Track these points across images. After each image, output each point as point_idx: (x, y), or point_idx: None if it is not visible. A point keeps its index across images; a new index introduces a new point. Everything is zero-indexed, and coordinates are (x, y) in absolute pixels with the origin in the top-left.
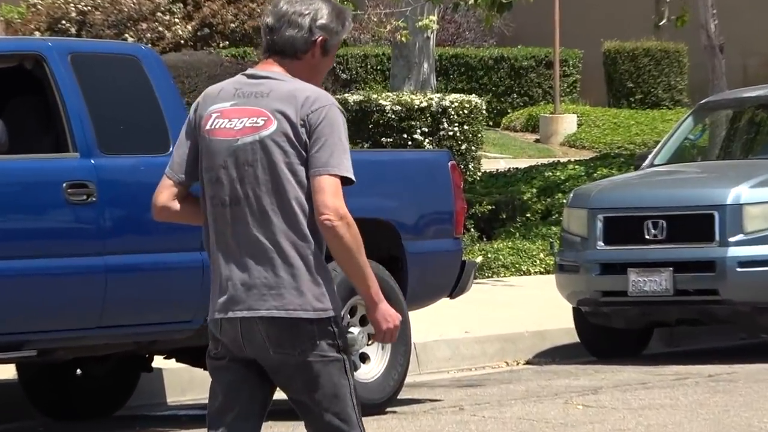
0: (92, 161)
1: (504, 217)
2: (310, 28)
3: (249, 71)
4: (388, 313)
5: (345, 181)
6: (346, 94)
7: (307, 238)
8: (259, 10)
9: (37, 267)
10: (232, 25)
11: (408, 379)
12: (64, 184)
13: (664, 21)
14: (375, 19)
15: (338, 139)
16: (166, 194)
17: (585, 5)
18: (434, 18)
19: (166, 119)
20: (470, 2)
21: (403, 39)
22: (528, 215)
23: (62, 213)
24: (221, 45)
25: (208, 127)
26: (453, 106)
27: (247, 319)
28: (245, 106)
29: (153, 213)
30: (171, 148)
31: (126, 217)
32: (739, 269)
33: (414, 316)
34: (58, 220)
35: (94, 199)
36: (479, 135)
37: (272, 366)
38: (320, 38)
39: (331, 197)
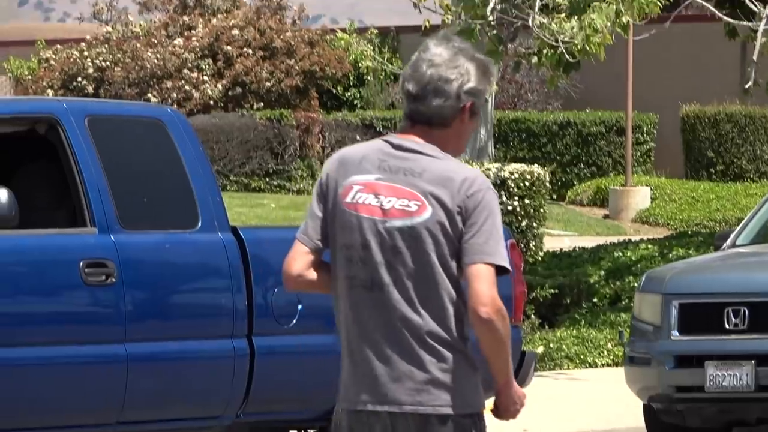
0: (112, 237)
1: (568, 302)
2: (458, 95)
3: (394, 140)
4: (518, 395)
5: (499, 270)
6: None
7: (454, 332)
8: (297, 67)
9: (50, 355)
10: (268, 83)
11: None
12: (81, 263)
13: (750, 83)
14: None
15: (493, 226)
16: (301, 262)
17: (661, 65)
18: (493, 77)
19: (194, 190)
20: (533, 60)
21: None
22: (595, 300)
23: (79, 295)
24: (255, 106)
25: (348, 199)
26: (513, 177)
27: (395, 414)
28: (394, 184)
29: (286, 283)
30: (199, 223)
31: (150, 300)
32: None
33: None
34: (74, 302)
35: (114, 279)
36: (542, 210)
37: None
38: (469, 104)
39: (489, 287)
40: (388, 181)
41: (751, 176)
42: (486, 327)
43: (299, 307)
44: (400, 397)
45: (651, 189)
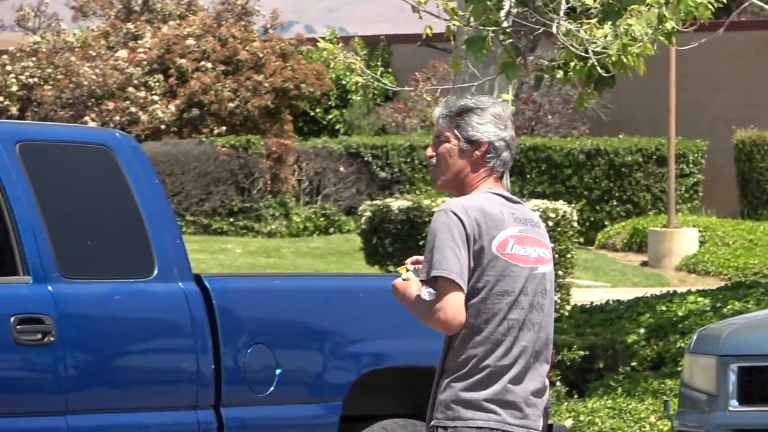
0: (49, 288)
1: (601, 366)
2: None
3: (502, 192)
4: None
5: None
6: (387, 199)
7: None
8: (266, 84)
9: None
10: (231, 104)
11: None
12: (12, 319)
13: None
14: (427, 98)
15: None
16: (464, 310)
17: (711, 83)
18: (509, 97)
19: (148, 231)
20: (558, 75)
21: None
22: (634, 364)
23: (9, 357)
24: (216, 131)
25: (508, 250)
26: None
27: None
28: (531, 235)
29: (450, 330)
30: (155, 270)
31: (95, 363)
32: None
33: None
34: (2, 366)
35: (52, 338)
36: (568, 255)
37: None
38: None
39: None
40: (526, 233)
41: None
42: None
43: (277, 371)
44: (532, 422)
45: (699, 230)
